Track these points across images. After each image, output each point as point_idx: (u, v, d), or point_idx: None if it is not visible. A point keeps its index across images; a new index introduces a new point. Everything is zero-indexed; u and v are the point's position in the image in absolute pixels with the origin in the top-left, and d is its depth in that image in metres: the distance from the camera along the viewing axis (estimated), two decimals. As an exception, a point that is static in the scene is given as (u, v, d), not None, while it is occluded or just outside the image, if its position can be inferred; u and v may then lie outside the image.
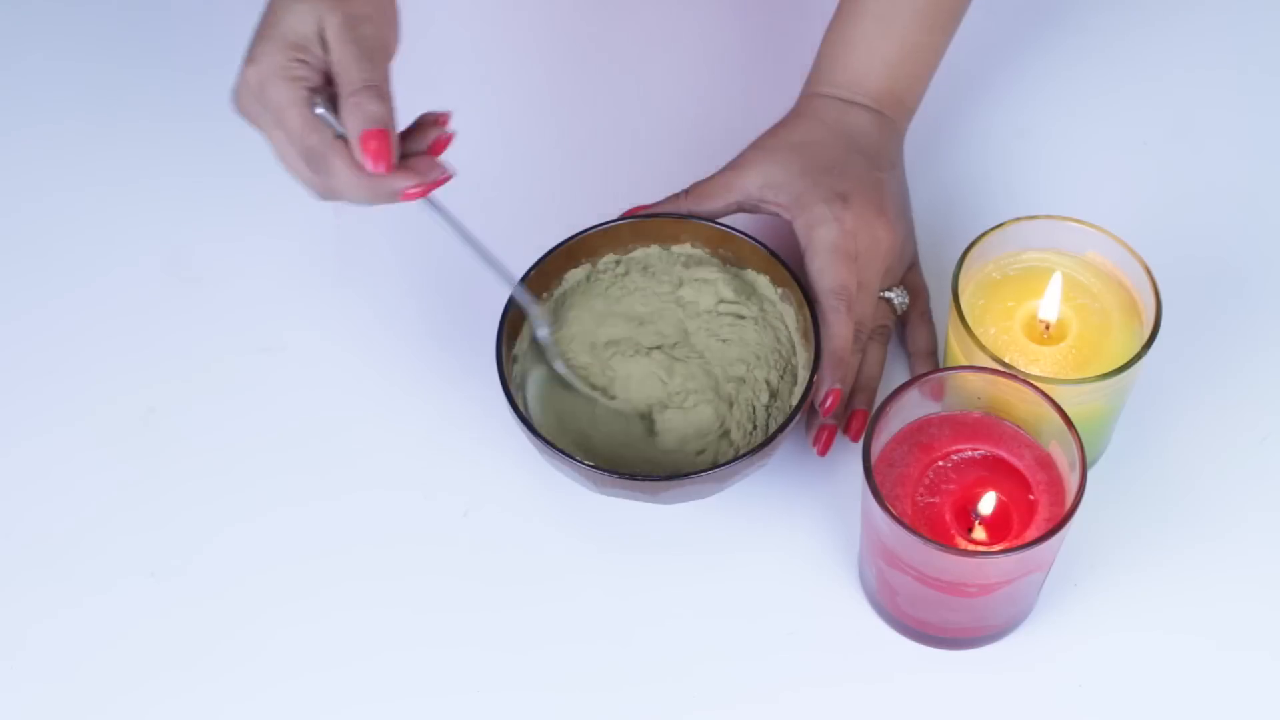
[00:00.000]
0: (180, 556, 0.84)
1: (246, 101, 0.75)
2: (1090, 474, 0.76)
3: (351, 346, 0.91)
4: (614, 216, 0.86)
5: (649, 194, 0.89)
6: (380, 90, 0.73)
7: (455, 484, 0.86)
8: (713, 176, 0.86)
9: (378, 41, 0.75)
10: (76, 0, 1.08)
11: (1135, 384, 0.81)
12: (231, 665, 0.80)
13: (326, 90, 0.74)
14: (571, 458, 0.77)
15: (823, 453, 0.82)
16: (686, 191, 0.86)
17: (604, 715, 0.79)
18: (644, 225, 0.85)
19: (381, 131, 0.73)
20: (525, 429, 0.78)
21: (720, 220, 0.85)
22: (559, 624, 0.81)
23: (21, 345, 0.92)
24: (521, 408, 0.79)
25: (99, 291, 0.94)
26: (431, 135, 0.75)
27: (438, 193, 0.75)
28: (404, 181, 0.74)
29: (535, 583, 0.83)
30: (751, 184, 0.84)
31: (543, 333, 0.83)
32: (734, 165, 0.86)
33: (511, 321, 0.82)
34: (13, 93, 1.04)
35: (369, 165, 0.73)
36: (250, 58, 0.74)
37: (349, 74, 0.73)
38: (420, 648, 0.81)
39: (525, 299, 0.82)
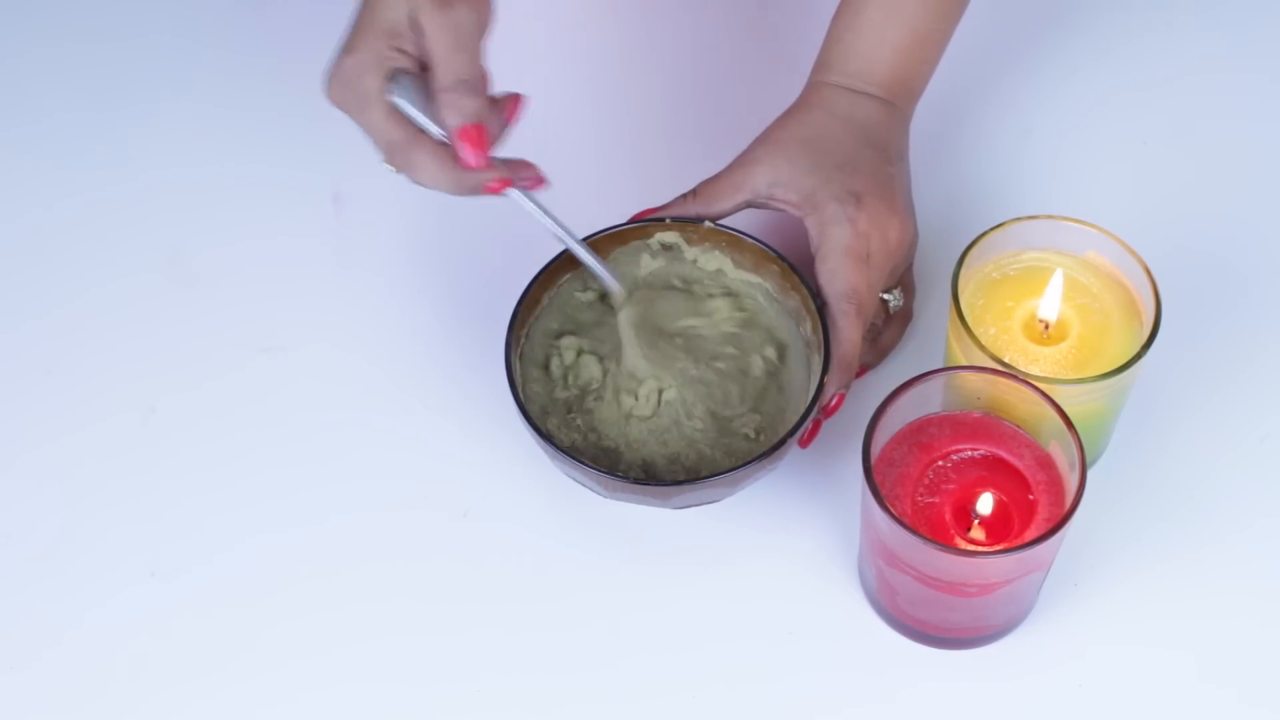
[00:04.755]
0: (180, 555, 0.84)
1: (340, 90, 0.75)
2: (1090, 474, 0.76)
3: (351, 346, 0.91)
4: (622, 220, 0.86)
5: (654, 194, 0.88)
6: (474, 84, 0.74)
7: (456, 484, 0.86)
8: (720, 175, 0.85)
9: (471, 23, 0.74)
10: (75, 0, 1.08)
11: (1135, 384, 0.81)
12: (231, 662, 0.80)
13: (422, 76, 0.74)
14: (580, 461, 0.77)
15: (805, 445, 0.81)
16: (694, 192, 0.85)
17: (604, 714, 0.79)
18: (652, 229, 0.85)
19: (478, 127, 0.73)
20: (533, 432, 0.78)
21: (728, 224, 0.85)
22: (559, 620, 0.81)
23: (22, 345, 0.92)
24: (528, 409, 0.79)
25: (99, 291, 0.94)
26: (501, 109, 0.76)
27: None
28: (490, 175, 0.75)
29: (535, 581, 0.83)
30: (760, 182, 0.83)
31: (616, 289, 0.83)
32: (742, 162, 0.84)
33: (520, 323, 0.81)
34: (12, 94, 1.04)
35: (469, 160, 0.73)
36: (348, 48, 0.74)
37: (443, 66, 0.73)
38: (420, 647, 0.81)
39: (605, 274, 0.82)
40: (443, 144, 0.74)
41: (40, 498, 0.86)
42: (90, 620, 0.82)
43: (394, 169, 0.76)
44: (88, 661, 0.81)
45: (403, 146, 0.74)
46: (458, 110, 0.73)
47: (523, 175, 0.77)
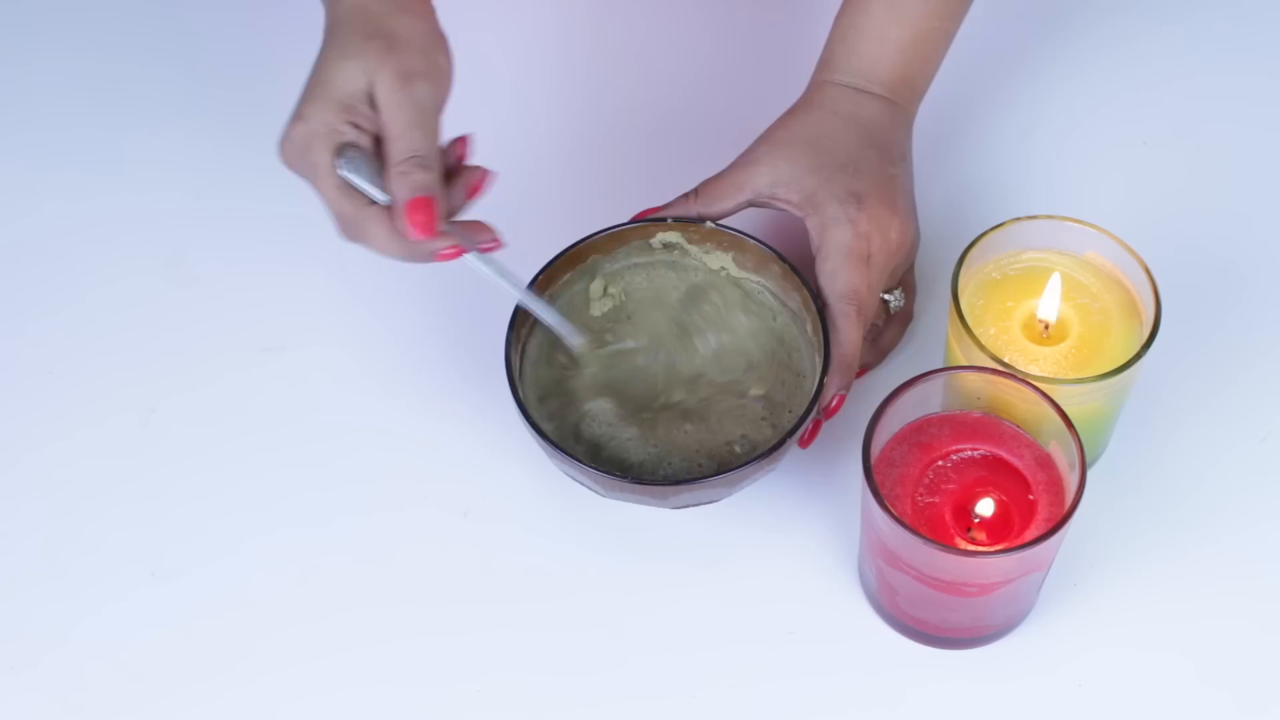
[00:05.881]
0: (180, 555, 0.84)
1: (292, 156, 0.75)
2: (1090, 474, 0.76)
3: (352, 346, 0.91)
4: (622, 219, 0.86)
5: (655, 194, 0.88)
6: (428, 160, 0.74)
7: (456, 483, 0.86)
8: (722, 174, 0.84)
9: (429, 98, 0.75)
10: (77, 3, 1.08)
11: (1135, 384, 0.81)
12: (230, 662, 0.80)
13: (374, 151, 0.74)
14: (580, 462, 0.77)
15: (804, 445, 0.81)
16: (696, 192, 0.85)
17: (604, 712, 0.79)
18: (653, 228, 0.85)
19: (427, 201, 0.73)
20: (534, 432, 0.78)
21: (729, 224, 0.85)
22: (559, 620, 0.81)
23: (23, 345, 0.92)
24: (528, 410, 0.79)
25: (100, 292, 0.94)
26: (465, 181, 0.76)
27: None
28: (443, 244, 0.75)
29: (534, 581, 0.83)
30: (762, 181, 0.83)
31: (575, 342, 0.83)
32: (743, 162, 0.84)
33: (520, 322, 0.81)
34: (13, 95, 1.04)
35: (412, 234, 0.73)
36: (299, 115, 0.74)
37: (399, 143, 0.73)
38: (420, 646, 0.81)
39: (565, 328, 0.82)
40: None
41: (40, 499, 0.86)
42: (91, 622, 0.82)
43: (348, 239, 0.76)
44: (88, 664, 0.81)
45: (353, 219, 0.74)
46: (408, 184, 0.73)
47: (478, 238, 0.77)
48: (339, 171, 0.74)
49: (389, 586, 0.83)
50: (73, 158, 1.00)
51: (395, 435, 0.88)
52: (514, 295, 0.79)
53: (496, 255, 0.77)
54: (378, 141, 0.75)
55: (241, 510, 0.85)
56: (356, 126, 0.74)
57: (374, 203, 0.74)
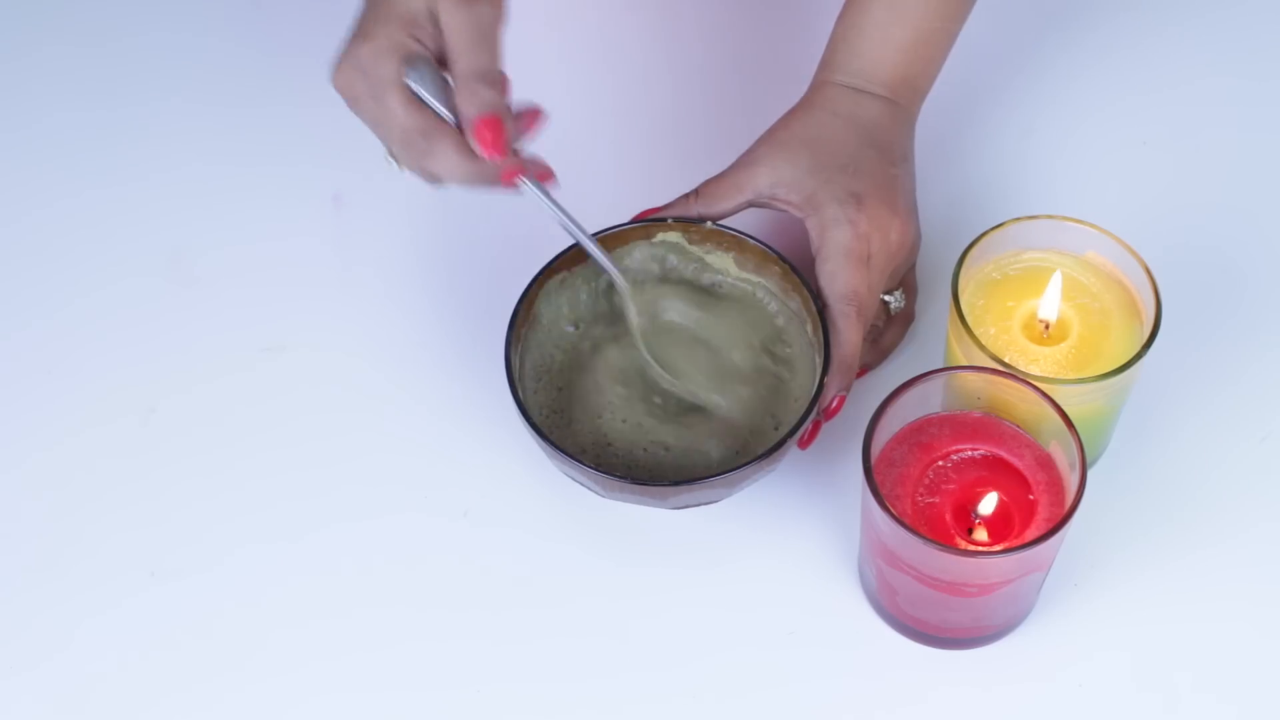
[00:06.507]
0: (180, 555, 0.84)
1: (351, 76, 0.73)
2: (1090, 474, 0.76)
3: (352, 346, 0.91)
4: (623, 220, 0.86)
5: (656, 194, 0.88)
6: (494, 76, 0.73)
7: (455, 483, 0.86)
8: (722, 175, 0.84)
9: (490, 19, 0.74)
10: (75, 3, 1.08)
11: (1135, 384, 0.81)
12: (230, 662, 0.80)
13: (438, 67, 0.74)
14: (580, 462, 0.77)
15: (804, 446, 0.81)
16: (696, 192, 0.85)
17: (604, 713, 0.79)
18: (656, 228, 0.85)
19: (496, 119, 0.73)
20: (533, 432, 0.78)
21: (729, 225, 0.85)
22: (559, 622, 0.81)
23: (22, 345, 0.92)
24: (528, 409, 0.79)
25: (100, 291, 0.94)
26: (520, 114, 0.76)
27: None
28: (509, 162, 0.74)
29: (535, 581, 0.83)
30: (762, 182, 0.83)
31: (623, 285, 0.83)
32: (744, 162, 0.84)
33: (520, 322, 0.81)
34: (13, 95, 1.04)
35: (483, 151, 0.73)
36: (363, 33, 0.73)
37: (464, 58, 0.73)
38: (420, 646, 0.81)
39: (610, 265, 0.82)
40: (462, 134, 0.74)
41: (40, 496, 0.86)
42: (88, 618, 0.82)
43: (400, 164, 0.75)
44: (88, 666, 0.81)
45: (423, 133, 0.73)
46: (477, 100, 0.73)
47: (534, 168, 0.76)
48: (407, 81, 0.73)
49: (389, 588, 0.83)
50: (72, 157, 1.00)
51: (395, 435, 0.88)
52: (565, 228, 0.79)
53: (551, 189, 0.77)
54: (440, 63, 0.74)
55: (242, 511, 0.85)
56: (420, 42, 0.73)
57: (442, 120, 0.73)
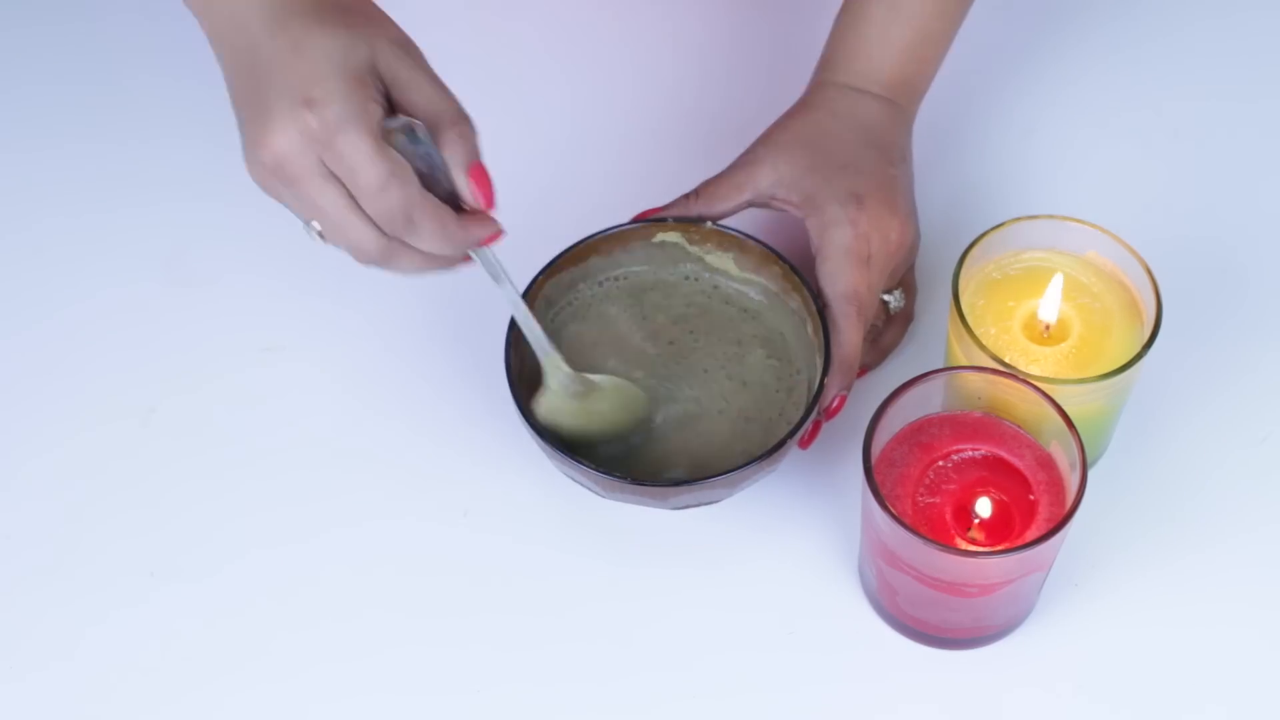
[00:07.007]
0: (180, 556, 0.84)
1: (290, 156, 0.64)
2: (1090, 474, 0.76)
3: (352, 346, 0.91)
4: (623, 220, 0.86)
5: (656, 194, 0.88)
6: (470, 120, 0.68)
7: (455, 483, 0.86)
8: (722, 175, 0.84)
9: (420, 53, 0.69)
10: (75, 8, 1.08)
11: (1136, 384, 0.80)
12: (230, 664, 0.80)
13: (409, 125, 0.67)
14: (581, 463, 0.77)
15: (805, 446, 0.81)
16: (696, 192, 0.85)
17: (604, 714, 0.79)
18: (652, 229, 0.85)
19: (483, 165, 0.68)
20: (533, 433, 0.78)
21: (729, 225, 0.85)
22: (559, 622, 0.81)
23: (22, 346, 0.92)
24: (528, 411, 0.79)
25: (99, 293, 0.94)
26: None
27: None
28: (489, 229, 0.69)
29: (535, 581, 0.83)
30: (763, 182, 0.83)
31: (558, 377, 0.79)
32: (743, 162, 0.84)
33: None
34: (13, 95, 1.04)
35: (480, 201, 0.68)
36: (308, 100, 0.63)
37: (440, 103, 0.67)
38: (420, 647, 0.81)
39: (546, 346, 0.78)
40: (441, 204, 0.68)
41: (40, 497, 0.86)
42: (91, 625, 0.82)
43: (368, 259, 0.68)
44: (87, 668, 0.81)
45: (406, 207, 0.65)
46: (466, 145, 0.67)
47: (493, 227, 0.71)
48: (401, 148, 0.64)
49: (389, 588, 0.83)
50: (72, 159, 1.00)
51: (395, 435, 0.88)
52: (509, 300, 0.76)
53: (500, 253, 0.75)
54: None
55: (241, 512, 0.85)
56: (377, 103, 0.65)
57: (425, 193, 0.66)
